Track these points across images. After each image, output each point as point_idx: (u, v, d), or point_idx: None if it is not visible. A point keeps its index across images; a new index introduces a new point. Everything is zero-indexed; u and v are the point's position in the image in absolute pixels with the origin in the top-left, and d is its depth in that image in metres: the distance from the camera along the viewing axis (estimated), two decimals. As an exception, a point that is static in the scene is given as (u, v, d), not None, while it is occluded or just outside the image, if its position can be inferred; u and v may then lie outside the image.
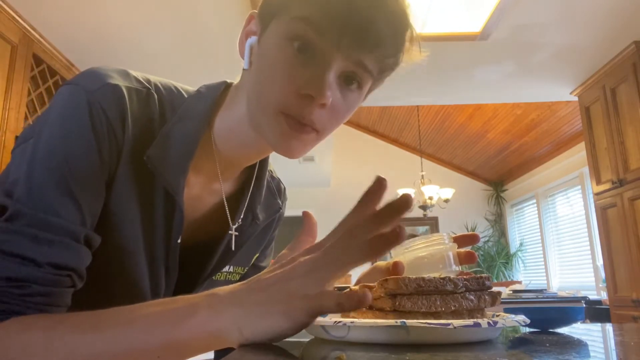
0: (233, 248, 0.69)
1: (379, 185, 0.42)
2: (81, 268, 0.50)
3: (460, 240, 0.61)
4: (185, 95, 0.63)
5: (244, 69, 0.64)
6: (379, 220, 0.40)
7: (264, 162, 0.73)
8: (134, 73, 0.60)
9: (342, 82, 0.55)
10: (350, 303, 0.38)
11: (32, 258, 0.46)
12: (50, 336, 0.44)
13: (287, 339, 0.51)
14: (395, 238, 0.38)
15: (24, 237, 0.47)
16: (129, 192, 0.57)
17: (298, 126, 0.54)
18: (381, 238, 0.39)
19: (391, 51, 0.54)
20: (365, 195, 0.43)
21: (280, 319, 0.40)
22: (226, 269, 0.71)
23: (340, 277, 0.41)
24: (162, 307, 0.44)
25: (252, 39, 0.59)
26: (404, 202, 0.39)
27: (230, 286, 0.44)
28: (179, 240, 0.62)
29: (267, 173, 0.76)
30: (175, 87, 0.64)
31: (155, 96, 0.60)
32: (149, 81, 0.61)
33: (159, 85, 0.62)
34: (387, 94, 3.87)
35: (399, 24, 0.54)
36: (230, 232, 0.69)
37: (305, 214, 0.51)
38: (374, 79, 0.57)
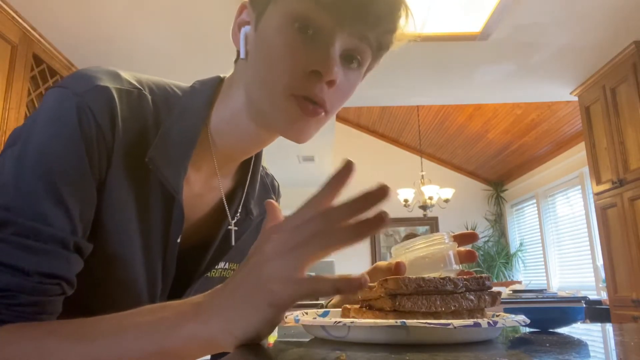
0: (233, 243, 0.69)
1: (348, 169, 0.40)
2: (71, 276, 0.50)
3: (459, 239, 0.61)
4: (180, 93, 0.62)
5: (236, 61, 0.63)
6: (356, 206, 0.38)
7: (258, 156, 0.73)
8: (124, 74, 0.58)
9: (343, 62, 0.56)
10: (348, 287, 0.37)
11: (20, 267, 0.46)
12: (40, 346, 0.43)
13: (287, 339, 0.51)
14: (380, 222, 0.37)
15: (13, 246, 0.46)
16: (123, 195, 0.56)
17: (310, 108, 0.54)
18: (365, 222, 0.37)
19: (390, 27, 0.55)
20: (333, 178, 0.41)
21: (266, 310, 0.38)
22: (221, 265, 0.71)
23: (319, 259, 0.39)
24: (151, 316, 0.43)
25: (247, 28, 0.58)
26: (382, 192, 0.38)
27: (212, 291, 0.43)
28: (178, 240, 0.61)
29: (261, 169, 0.76)
30: (169, 86, 0.63)
31: (149, 97, 0.59)
32: (140, 82, 0.60)
33: (152, 85, 0.61)
34: (387, 94, 3.87)
35: (396, 1, 0.55)
36: (229, 227, 0.69)
37: (267, 202, 0.48)
38: (373, 55, 0.58)
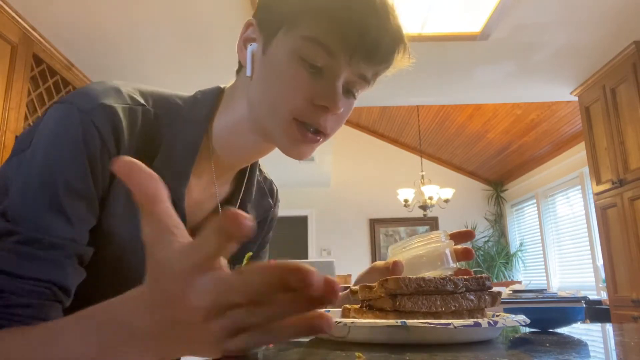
0: None
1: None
2: (66, 283, 0.50)
3: (456, 237, 0.61)
4: (181, 103, 0.64)
5: (238, 72, 0.65)
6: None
7: (254, 163, 0.75)
8: (127, 89, 0.59)
9: (344, 92, 0.59)
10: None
11: (15, 273, 0.46)
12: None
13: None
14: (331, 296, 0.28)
15: (12, 254, 0.47)
16: (126, 206, 0.57)
17: (309, 136, 0.59)
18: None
19: (388, 64, 0.60)
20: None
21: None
22: None
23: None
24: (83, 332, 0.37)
25: (254, 46, 0.61)
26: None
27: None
28: None
29: (259, 174, 0.78)
30: (171, 97, 0.64)
31: (152, 111, 0.60)
32: (143, 95, 0.61)
33: (154, 97, 0.62)
34: (387, 94, 3.87)
35: (399, 40, 0.59)
36: None
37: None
38: (369, 86, 0.62)
